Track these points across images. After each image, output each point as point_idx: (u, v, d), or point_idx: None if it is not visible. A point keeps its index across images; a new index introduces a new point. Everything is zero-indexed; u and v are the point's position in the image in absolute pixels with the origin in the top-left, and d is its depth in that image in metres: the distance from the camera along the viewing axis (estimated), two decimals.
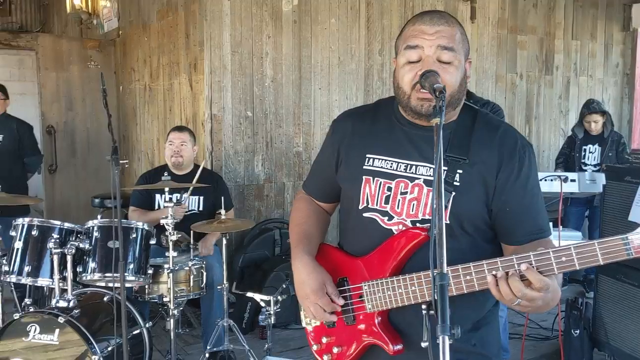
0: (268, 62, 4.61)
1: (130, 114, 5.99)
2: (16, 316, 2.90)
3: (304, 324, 1.72)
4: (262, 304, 3.39)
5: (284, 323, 4.24)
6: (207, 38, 4.37)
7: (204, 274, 3.46)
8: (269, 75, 4.62)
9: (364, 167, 1.56)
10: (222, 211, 3.37)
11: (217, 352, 3.47)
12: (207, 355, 3.42)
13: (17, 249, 3.10)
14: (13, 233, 3.15)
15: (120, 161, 2.67)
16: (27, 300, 3.59)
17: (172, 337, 3.19)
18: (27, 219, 3.16)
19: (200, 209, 3.88)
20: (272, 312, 3.34)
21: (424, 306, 1.21)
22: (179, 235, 3.20)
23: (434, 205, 1.18)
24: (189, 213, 3.80)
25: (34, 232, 3.08)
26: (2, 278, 3.15)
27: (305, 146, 4.85)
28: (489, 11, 5.77)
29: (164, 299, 3.32)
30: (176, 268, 3.19)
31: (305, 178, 1.84)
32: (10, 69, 9.65)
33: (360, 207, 1.55)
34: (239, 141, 4.56)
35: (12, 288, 3.73)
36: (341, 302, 1.55)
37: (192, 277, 3.38)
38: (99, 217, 5.03)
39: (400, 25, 5.06)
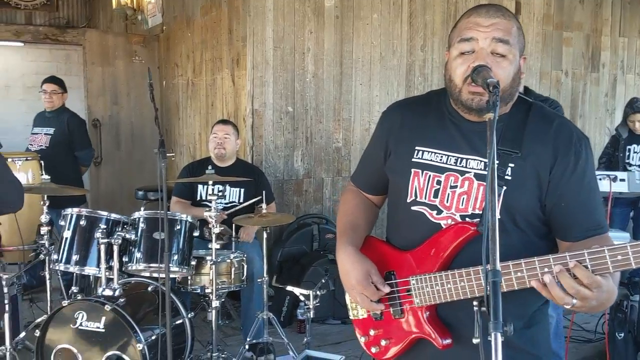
0: (310, 58, 4.62)
1: (173, 109, 6.09)
2: (65, 303, 2.98)
3: (351, 316, 1.72)
4: (302, 298, 3.42)
5: (322, 318, 4.26)
6: (250, 34, 4.41)
7: (245, 266, 3.50)
8: (310, 70, 4.64)
9: (413, 159, 1.55)
10: (264, 205, 3.40)
11: (256, 344, 3.52)
12: (246, 346, 3.47)
13: (66, 238, 3.19)
14: (62, 222, 3.24)
15: (167, 154, 2.72)
16: (74, 288, 3.69)
17: (213, 328, 3.24)
18: (75, 209, 3.24)
19: (241, 200, 3.92)
20: (311, 307, 3.37)
21: (475, 302, 1.20)
22: (222, 228, 3.25)
23: (487, 201, 1.17)
24: (229, 205, 3.86)
25: (82, 222, 3.17)
26: (51, 266, 3.25)
27: (345, 142, 4.85)
28: (534, 7, 5.66)
29: (206, 290, 3.38)
30: (218, 260, 3.23)
31: (354, 170, 1.84)
32: (57, 64, 9.90)
33: (408, 201, 1.55)
34: (279, 136, 4.59)
35: (59, 276, 3.83)
36: (387, 289, 1.54)
37: (233, 269, 3.42)
38: (142, 208, 5.15)
39: (443, 21, 5.03)
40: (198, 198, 3.95)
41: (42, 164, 4.34)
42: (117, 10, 6.88)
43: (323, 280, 3.51)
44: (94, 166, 5.93)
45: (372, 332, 1.62)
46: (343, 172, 4.87)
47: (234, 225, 3.48)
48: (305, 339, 3.44)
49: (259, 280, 3.52)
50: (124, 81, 6.13)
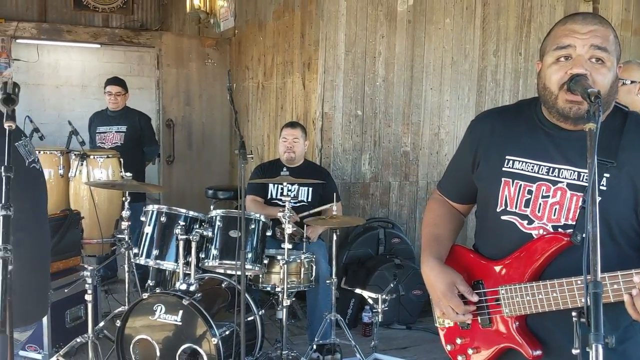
0: (380, 62, 4.64)
1: (242, 111, 6.23)
2: (145, 296, 3.12)
3: (437, 324, 1.73)
4: (370, 301, 3.45)
5: (387, 322, 4.27)
6: (323, 38, 4.47)
7: (314, 267, 3.55)
8: (381, 74, 4.66)
9: (503, 168, 1.55)
10: (334, 205, 3.45)
11: (324, 345, 3.57)
12: (314, 347, 3.52)
13: (147, 234, 3.34)
14: (143, 218, 3.39)
15: (247, 155, 2.81)
16: (150, 282, 3.85)
17: (284, 326, 3.31)
18: (156, 206, 3.38)
19: (309, 199, 3.98)
20: (380, 310, 3.39)
21: (574, 313, 1.20)
22: (294, 229, 3.31)
23: (587, 211, 1.17)
24: (298, 205, 3.93)
25: (163, 219, 3.30)
26: (131, 260, 3.40)
27: (413, 146, 4.84)
28: (612, 12, 5.49)
29: (276, 289, 3.45)
30: (290, 260, 3.30)
31: (440, 178, 1.85)
32: (131, 65, 10.33)
33: (498, 210, 1.55)
34: (348, 139, 4.63)
35: (134, 270, 3.99)
36: (475, 298, 1.55)
37: (303, 269, 3.48)
38: (212, 207, 5.30)
39: (517, 26, 4.95)
40: (269, 197, 4.04)
41: (122, 161, 4.56)
42: (191, 14, 7.09)
43: (392, 285, 3.53)
44: (167, 165, 6.14)
45: (458, 341, 1.63)
46: (410, 177, 4.87)
47: (305, 225, 3.54)
48: (372, 342, 3.47)
49: (327, 281, 3.56)
50: (197, 83, 6.32)
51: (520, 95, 5.13)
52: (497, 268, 1.53)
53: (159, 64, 9.78)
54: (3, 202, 1.35)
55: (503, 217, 1.53)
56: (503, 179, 1.54)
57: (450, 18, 4.84)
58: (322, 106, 4.53)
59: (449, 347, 1.65)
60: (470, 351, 1.58)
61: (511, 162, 1.54)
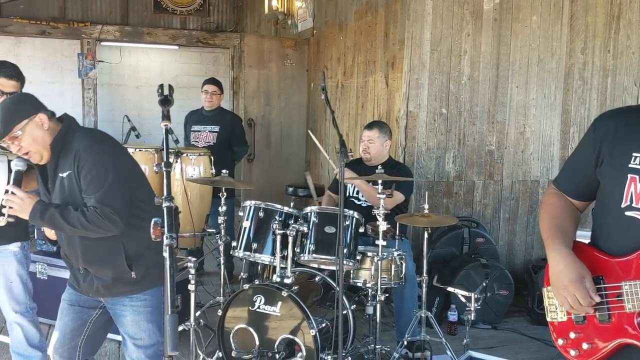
0: (466, 60, 4.63)
1: (319, 110, 6.34)
2: (246, 287, 3.24)
3: (549, 318, 1.75)
4: (462, 299, 3.46)
5: (472, 321, 4.24)
6: (408, 37, 4.50)
7: (404, 264, 3.59)
8: (466, 73, 4.65)
9: (630, 165, 1.56)
10: (426, 205, 3.48)
11: (413, 342, 3.61)
12: (404, 343, 3.56)
13: (245, 228, 3.46)
14: (241, 213, 3.52)
15: (348, 153, 2.88)
16: (243, 275, 3.99)
17: (377, 322, 3.37)
18: (253, 202, 3.51)
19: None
20: (472, 309, 3.40)
21: None
22: (389, 226, 3.36)
23: None
24: (370, 204, 3.96)
25: (260, 214, 3.42)
26: (231, 252, 3.54)
27: (498, 145, 4.81)
28: None
29: (367, 285, 3.51)
30: (383, 257, 3.35)
31: (557, 174, 1.87)
32: (206, 66, 10.63)
33: (622, 206, 1.56)
34: (432, 138, 4.65)
35: (221, 263, 4.13)
36: (597, 299, 1.57)
37: (393, 266, 3.53)
38: (291, 204, 5.42)
39: (606, 23, 4.83)
40: (347, 194, 4.10)
41: (212, 159, 4.73)
42: (269, 15, 7.26)
43: (484, 284, 3.53)
44: (247, 162, 6.32)
45: (572, 335, 1.65)
46: (495, 176, 4.83)
47: (398, 224, 3.58)
48: (464, 340, 3.48)
49: (418, 278, 3.60)
50: (276, 83, 6.47)
51: (609, 94, 5.00)
52: (619, 264, 1.54)
53: (233, 65, 10.08)
54: (166, 194, 1.47)
55: (627, 213, 1.55)
56: (629, 175, 1.56)
57: (537, 15, 4.77)
58: (406, 105, 4.57)
59: (560, 342, 1.68)
60: (585, 346, 1.60)
61: (638, 159, 1.55)
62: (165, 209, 1.45)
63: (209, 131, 5.23)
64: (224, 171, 3.91)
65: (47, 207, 2.21)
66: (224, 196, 3.84)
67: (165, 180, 1.49)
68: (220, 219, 3.83)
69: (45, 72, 9.18)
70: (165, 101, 1.60)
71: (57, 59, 9.23)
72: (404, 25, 4.55)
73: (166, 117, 1.59)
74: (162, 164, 1.49)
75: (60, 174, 2.27)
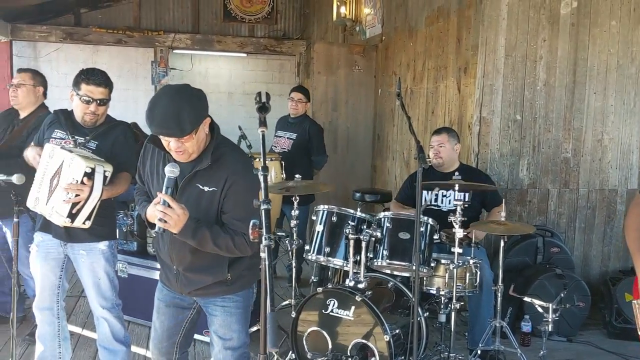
0: (541, 66, 4.54)
1: (387, 115, 6.34)
2: (319, 290, 3.28)
3: None
4: (540, 310, 3.38)
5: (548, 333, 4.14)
6: (482, 42, 4.45)
7: (479, 272, 3.54)
8: (542, 78, 4.55)
9: None
10: (503, 212, 3.42)
11: (487, 351, 3.55)
12: (478, 352, 3.51)
13: (318, 232, 3.51)
14: (314, 217, 3.57)
15: (427, 159, 2.88)
16: (313, 278, 4.04)
17: (452, 330, 3.34)
18: (326, 206, 3.55)
19: (469, 204, 3.96)
20: (549, 320, 3.32)
21: None
22: (465, 233, 3.33)
23: None
24: (454, 209, 3.91)
25: (333, 219, 3.46)
26: (304, 256, 3.59)
27: (574, 152, 4.67)
28: None
29: (440, 292, 3.48)
30: (459, 264, 3.32)
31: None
32: (272, 73, 10.83)
33: None
34: (506, 144, 4.56)
35: (286, 266, 4.19)
36: None
37: (468, 274, 3.49)
38: (358, 209, 5.43)
39: None
40: (423, 202, 4.07)
41: (283, 165, 4.80)
42: (337, 21, 7.32)
43: (562, 294, 3.44)
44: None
45: None
46: (570, 184, 4.70)
47: (474, 231, 3.54)
48: (541, 352, 3.40)
49: (492, 287, 3.54)
50: (344, 89, 6.51)
51: None
52: None
53: (298, 71, 10.21)
54: (263, 197, 1.53)
55: None
56: None
57: (617, 20, 4.62)
58: (479, 111, 4.51)
59: None
60: None
61: None
62: (263, 212, 1.50)
63: (287, 138, 5.31)
64: (297, 176, 3.98)
65: (200, 227, 2.16)
66: (297, 200, 3.90)
67: (262, 184, 1.54)
68: (293, 223, 3.90)
69: (121, 79, 9.57)
70: (263, 108, 1.65)
71: (131, 67, 9.59)
72: (477, 30, 4.50)
73: (263, 123, 1.64)
74: (260, 168, 1.54)
75: (201, 186, 2.22)
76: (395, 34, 6.15)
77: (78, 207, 2.69)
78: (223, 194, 2.17)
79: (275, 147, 5.31)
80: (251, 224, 1.53)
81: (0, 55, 8.72)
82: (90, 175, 2.66)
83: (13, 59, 8.95)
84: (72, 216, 2.69)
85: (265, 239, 1.46)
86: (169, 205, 2.06)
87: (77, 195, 2.66)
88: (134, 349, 3.68)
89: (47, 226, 2.96)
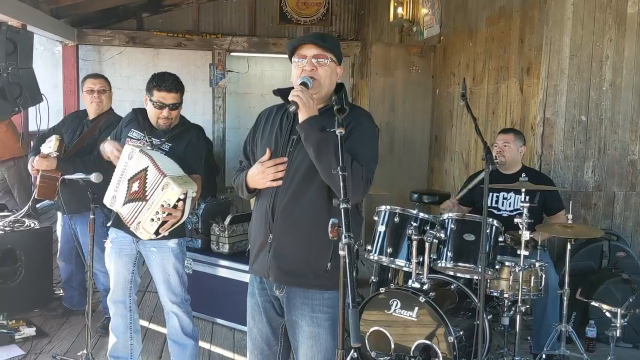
0: (608, 66, 4.42)
1: (445, 116, 6.29)
2: (382, 290, 3.31)
3: None
4: (608, 314, 3.31)
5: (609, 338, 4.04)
6: (547, 42, 4.37)
7: (544, 276, 3.49)
8: (608, 79, 4.43)
9: None
10: (570, 215, 3.37)
11: (552, 356, 3.50)
12: (543, 356, 3.46)
13: (380, 232, 3.53)
14: (376, 218, 3.60)
15: (494, 161, 2.87)
16: (373, 278, 4.06)
17: (517, 334, 3.31)
18: (388, 207, 3.57)
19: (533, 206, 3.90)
20: (617, 325, 3.24)
21: None
22: (531, 236, 3.29)
23: None
24: (514, 214, 3.86)
25: (396, 219, 3.48)
26: (366, 256, 3.62)
27: None
28: None
29: (504, 295, 3.45)
30: (525, 267, 3.28)
31: None
32: None
33: None
34: (570, 146, 4.47)
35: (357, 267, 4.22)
36: None
37: (533, 278, 3.44)
38: (415, 210, 5.42)
39: None
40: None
41: None
42: (394, 22, 7.33)
43: (630, 299, 3.35)
44: None
45: None
46: (637, 187, 4.56)
47: (540, 233, 3.49)
48: (608, 358, 3.32)
49: (558, 291, 3.49)
50: (401, 90, 6.51)
51: None
52: None
53: (353, 72, 10.24)
54: (342, 196, 1.57)
55: None
56: None
57: None
58: (543, 112, 4.43)
59: None
60: None
61: None
62: (342, 210, 1.54)
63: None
64: None
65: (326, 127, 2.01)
66: None
67: (341, 183, 1.58)
68: None
69: None
70: (342, 110, 1.69)
71: (190, 70, 9.84)
72: (541, 30, 4.43)
73: (340, 124, 1.69)
74: (339, 168, 1.58)
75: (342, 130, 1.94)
76: (454, 35, 6.10)
77: (166, 226, 2.80)
78: (345, 135, 1.93)
79: None
80: (330, 222, 1.57)
81: (67, 58, 9.11)
82: (183, 200, 2.76)
83: (79, 63, 9.33)
84: (158, 233, 2.81)
85: (345, 237, 1.50)
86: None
87: (169, 215, 2.76)
88: (199, 343, 3.79)
89: (120, 222, 3.08)
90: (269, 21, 9.91)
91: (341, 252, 1.51)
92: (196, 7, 9.60)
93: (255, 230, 2.24)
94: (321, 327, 2.13)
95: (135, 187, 2.82)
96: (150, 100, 3.02)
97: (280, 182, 2.09)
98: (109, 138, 3.23)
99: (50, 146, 3.74)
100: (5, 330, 3.74)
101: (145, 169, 2.80)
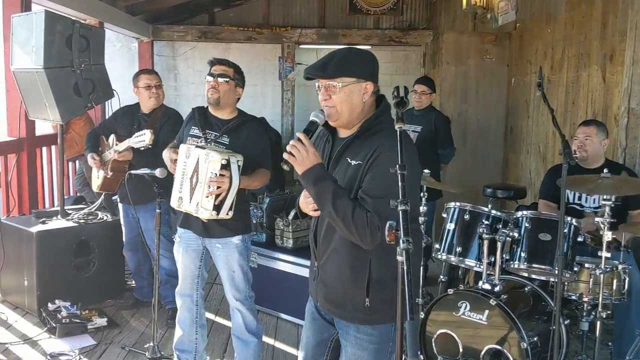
0: None
1: (521, 107, 6.00)
2: (450, 291, 3.16)
3: None
4: None
5: None
6: (632, 27, 4.04)
7: (627, 279, 3.23)
8: None
9: None
10: None
11: None
12: None
13: (449, 230, 3.38)
14: (444, 215, 3.45)
15: (574, 155, 2.66)
16: (442, 278, 3.91)
17: (597, 340, 3.08)
18: (458, 204, 3.41)
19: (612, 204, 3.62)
20: None
21: None
22: (614, 237, 3.05)
23: None
24: (597, 210, 3.60)
25: (466, 217, 3.32)
26: (433, 255, 3.48)
27: None
28: None
29: (583, 299, 3.22)
30: (607, 269, 3.05)
31: None
32: (396, 64, 10.66)
33: None
34: None
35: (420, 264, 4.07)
36: None
37: (615, 281, 3.19)
38: (489, 206, 5.19)
39: None
40: (568, 200, 3.79)
41: None
42: (467, 9, 7.04)
43: None
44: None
45: None
46: None
47: (623, 234, 3.24)
48: None
49: None
50: (474, 79, 6.26)
51: None
52: None
53: (424, 62, 9.99)
54: (401, 197, 1.46)
55: None
56: None
57: None
58: (628, 101, 4.11)
59: None
60: None
61: None
62: (400, 212, 1.43)
63: (412, 131, 5.18)
64: (425, 170, 3.86)
65: (327, 177, 1.96)
66: (425, 196, 3.79)
67: (400, 183, 1.47)
68: (421, 219, 3.78)
69: (250, 75, 9.79)
70: (401, 103, 1.58)
71: (260, 63, 9.88)
72: (626, 14, 4.10)
73: (400, 119, 1.57)
74: (398, 166, 1.48)
75: (349, 160, 2.00)
76: (530, 21, 5.79)
77: (220, 198, 2.82)
78: (366, 168, 1.92)
79: None
80: (387, 225, 1.46)
81: (143, 54, 9.35)
82: (226, 166, 2.78)
83: (154, 58, 9.57)
84: (217, 208, 2.82)
85: (403, 242, 1.39)
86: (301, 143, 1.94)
87: (218, 187, 2.78)
88: (263, 338, 3.78)
89: (187, 222, 3.11)
90: (338, 12, 9.79)
91: (399, 258, 1.41)
92: (266, 1, 9.62)
93: (310, 240, 2.24)
94: (365, 350, 2.04)
95: (194, 179, 2.86)
96: (206, 78, 3.09)
97: (319, 213, 2.05)
98: (169, 145, 3.25)
99: (143, 139, 3.66)
100: (78, 320, 3.86)
101: (198, 160, 2.84)
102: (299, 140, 1.93)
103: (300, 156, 1.91)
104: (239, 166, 2.85)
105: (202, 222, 2.98)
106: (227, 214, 2.85)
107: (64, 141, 5.97)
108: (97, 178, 4.19)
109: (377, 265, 1.95)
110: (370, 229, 1.83)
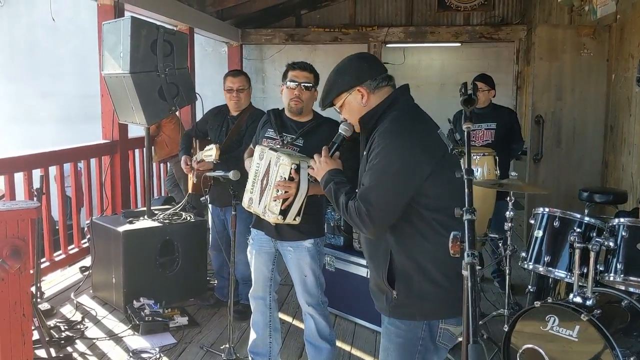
0: None
1: (623, 104, 5.54)
2: (537, 304, 2.94)
3: None
4: None
5: None
6: None
7: None
8: None
9: None
10: None
11: None
12: None
13: (537, 238, 3.16)
14: (532, 221, 3.22)
15: None
16: (530, 288, 3.66)
17: None
18: (547, 209, 3.18)
19: None
20: None
21: None
22: None
23: None
24: None
25: (555, 223, 3.08)
26: (520, 264, 3.26)
27: None
28: None
29: None
30: None
31: None
32: (488, 61, 10.28)
33: None
34: None
35: (506, 273, 3.84)
36: None
37: None
38: (585, 211, 4.83)
39: None
40: None
41: (497, 160, 4.46)
42: (564, 1, 6.64)
43: None
44: (533, 163, 5.85)
45: None
46: None
47: None
48: None
49: None
50: (569, 76, 5.85)
51: None
52: None
53: (517, 59, 9.54)
54: (467, 205, 1.32)
55: None
56: None
57: None
58: None
59: None
60: None
61: None
62: (466, 222, 1.30)
63: (485, 129, 4.97)
64: (512, 174, 3.64)
65: (330, 180, 2.19)
66: (512, 200, 3.57)
67: (467, 190, 1.34)
68: (507, 225, 3.57)
69: None
70: (469, 101, 1.45)
71: None
72: None
73: (469, 118, 1.44)
74: (464, 170, 1.34)
75: (364, 153, 2.12)
76: (633, 11, 5.33)
77: (287, 203, 2.75)
78: (368, 157, 2.03)
79: (473, 141, 5.00)
80: (452, 235, 1.33)
81: (232, 58, 9.57)
82: (296, 171, 2.71)
83: (243, 62, 9.78)
84: (284, 213, 2.76)
85: (468, 256, 1.26)
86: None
87: (286, 192, 2.72)
88: (339, 344, 3.71)
89: (259, 223, 3.09)
90: (426, 9, 9.56)
91: (463, 273, 1.28)
92: (352, 0, 9.56)
93: None
94: (391, 342, 2.09)
95: (264, 182, 2.82)
96: (285, 84, 3.02)
97: None
98: (250, 147, 3.26)
99: (211, 154, 3.89)
100: (160, 319, 3.96)
101: (270, 162, 2.81)
102: (319, 154, 2.28)
103: (317, 167, 2.28)
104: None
105: (274, 224, 2.94)
106: (295, 220, 2.77)
107: (155, 143, 6.23)
108: (190, 180, 4.38)
109: (398, 257, 2.01)
110: (360, 218, 1.96)
